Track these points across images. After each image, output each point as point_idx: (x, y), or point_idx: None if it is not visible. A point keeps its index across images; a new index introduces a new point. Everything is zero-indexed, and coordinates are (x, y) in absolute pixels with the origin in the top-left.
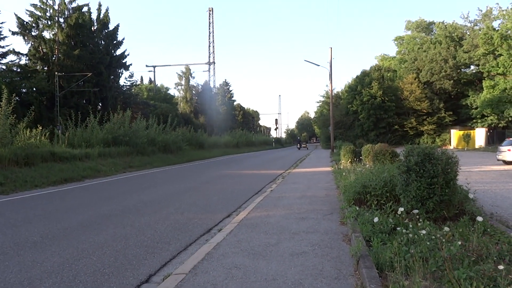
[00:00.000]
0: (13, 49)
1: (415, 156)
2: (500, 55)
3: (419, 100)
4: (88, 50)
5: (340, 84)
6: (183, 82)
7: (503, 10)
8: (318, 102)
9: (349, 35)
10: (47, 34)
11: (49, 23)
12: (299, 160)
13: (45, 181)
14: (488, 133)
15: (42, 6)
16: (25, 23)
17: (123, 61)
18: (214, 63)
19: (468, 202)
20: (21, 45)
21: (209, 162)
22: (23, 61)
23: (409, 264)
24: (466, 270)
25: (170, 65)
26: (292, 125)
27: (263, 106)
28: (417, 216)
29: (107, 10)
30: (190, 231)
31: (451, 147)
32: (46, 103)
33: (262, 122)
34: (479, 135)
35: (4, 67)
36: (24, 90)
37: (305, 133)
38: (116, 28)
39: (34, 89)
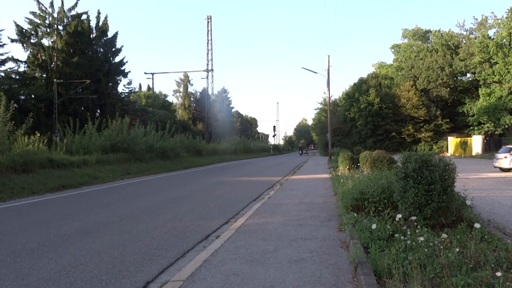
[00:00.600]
0: (12, 56)
1: (412, 163)
2: (496, 63)
3: (416, 107)
4: (87, 58)
5: (337, 91)
6: (181, 89)
7: (498, 19)
8: (316, 109)
9: (346, 42)
10: (46, 42)
11: (48, 30)
12: (297, 167)
13: (43, 188)
14: (485, 141)
15: (41, 14)
16: (24, 30)
17: (122, 69)
18: (212, 70)
19: (465, 209)
20: (20, 53)
21: (207, 169)
22: (22, 68)
23: (407, 271)
24: (464, 277)
25: (168, 72)
26: (290, 132)
27: (261, 113)
28: (415, 223)
29: (106, 18)
30: (187, 238)
31: (448, 154)
32: (44, 110)
33: (260, 129)
34: (476, 142)
35: (2, 74)
36: (22, 97)
37: (303, 140)
38: (115, 35)
39: (33, 96)
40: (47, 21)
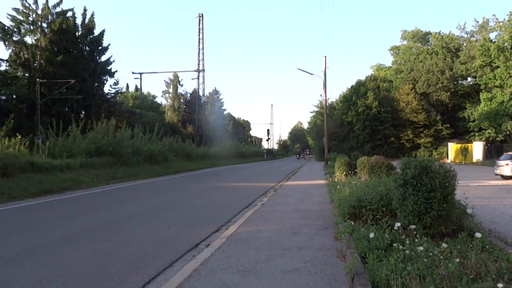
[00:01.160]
0: None
1: (412, 169)
2: (497, 67)
3: (415, 111)
4: (71, 56)
5: (334, 94)
6: (170, 90)
7: (499, 22)
8: (311, 112)
9: (343, 44)
10: (29, 40)
11: (32, 28)
12: (291, 172)
13: (24, 193)
14: (486, 147)
15: (25, 11)
16: (6, 28)
17: (108, 68)
18: (204, 70)
19: (466, 218)
20: (2, 51)
21: (197, 174)
22: (3, 67)
23: (406, 282)
24: None
25: (157, 72)
26: (285, 136)
27: (255, 116)
28: (414, 232)
29: (92, 15)
30: (176, 246)
31: (449, 161)
32: (26, 111)
33: (253, 133)
34: (477, 148)
35: None
36: (3, 97)
37: (298, 144)
38: (102, 33)
39: (14, 96)
40: (30, 18)
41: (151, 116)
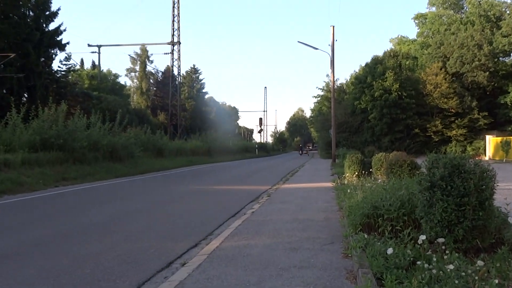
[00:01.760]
0: None
1: (440, 169)
2: None
3: (446, 96)
4: (11, 24)
5: (344, 75)
6: (137, 68)
7: None
8: (315, 97)
9: (355, 11)
10: None
11: None
12: (289, 172)
13: None
14: None
15: None
16: None
17: (58, 39)
18: (180, 43)
19: (507, 229)
20: None
21: (171, 174)
22: None
23: None
24: None
25: (120, 45)
26: (282, 126)
27: (244, 101)
28: (443, 247)
29: None
30: (144, 265)
31: (486, 158)
32: None
33: (242, 122)
34: None
35: None
36: None
37: (298, 137)
38: None
39: None
40: None
41: (112, 100)
